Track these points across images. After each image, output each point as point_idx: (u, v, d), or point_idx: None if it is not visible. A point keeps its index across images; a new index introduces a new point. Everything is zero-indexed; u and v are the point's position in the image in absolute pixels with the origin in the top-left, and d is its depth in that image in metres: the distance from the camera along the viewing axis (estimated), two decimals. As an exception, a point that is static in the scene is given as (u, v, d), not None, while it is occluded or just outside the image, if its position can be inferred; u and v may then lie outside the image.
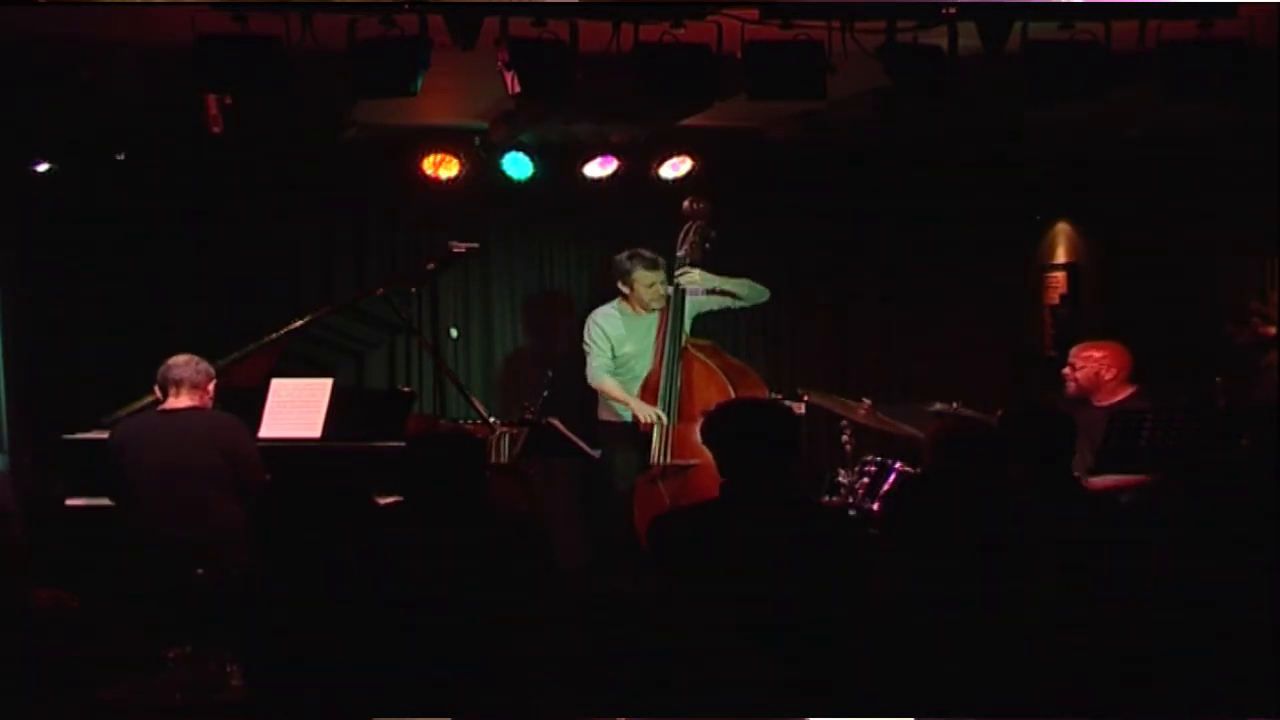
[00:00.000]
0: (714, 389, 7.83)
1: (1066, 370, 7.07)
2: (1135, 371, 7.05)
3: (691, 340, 8.13)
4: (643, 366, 8.13)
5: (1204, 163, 8.45)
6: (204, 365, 6.56)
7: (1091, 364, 6.97)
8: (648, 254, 8.10)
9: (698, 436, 7.58)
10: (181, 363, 6.51)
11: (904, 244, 9.55)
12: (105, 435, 6.86)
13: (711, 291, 8.22)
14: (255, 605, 3.87)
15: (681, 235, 8.19)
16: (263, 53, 5.64)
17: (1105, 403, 6.88)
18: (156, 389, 6.57)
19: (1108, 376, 6.94)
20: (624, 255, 8.15)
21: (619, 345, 8.16)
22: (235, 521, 6.07)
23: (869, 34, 5.89)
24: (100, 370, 8.32)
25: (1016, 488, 4.67)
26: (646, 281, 8.06)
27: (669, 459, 7.86)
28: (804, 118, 8.04)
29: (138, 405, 6.91)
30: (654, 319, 8.17)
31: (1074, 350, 7.11)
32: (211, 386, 6.55)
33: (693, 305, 8.20)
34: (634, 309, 8.16)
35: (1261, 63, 6.14)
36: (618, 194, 8.96)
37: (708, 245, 8.20)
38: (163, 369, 6.52)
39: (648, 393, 8.06)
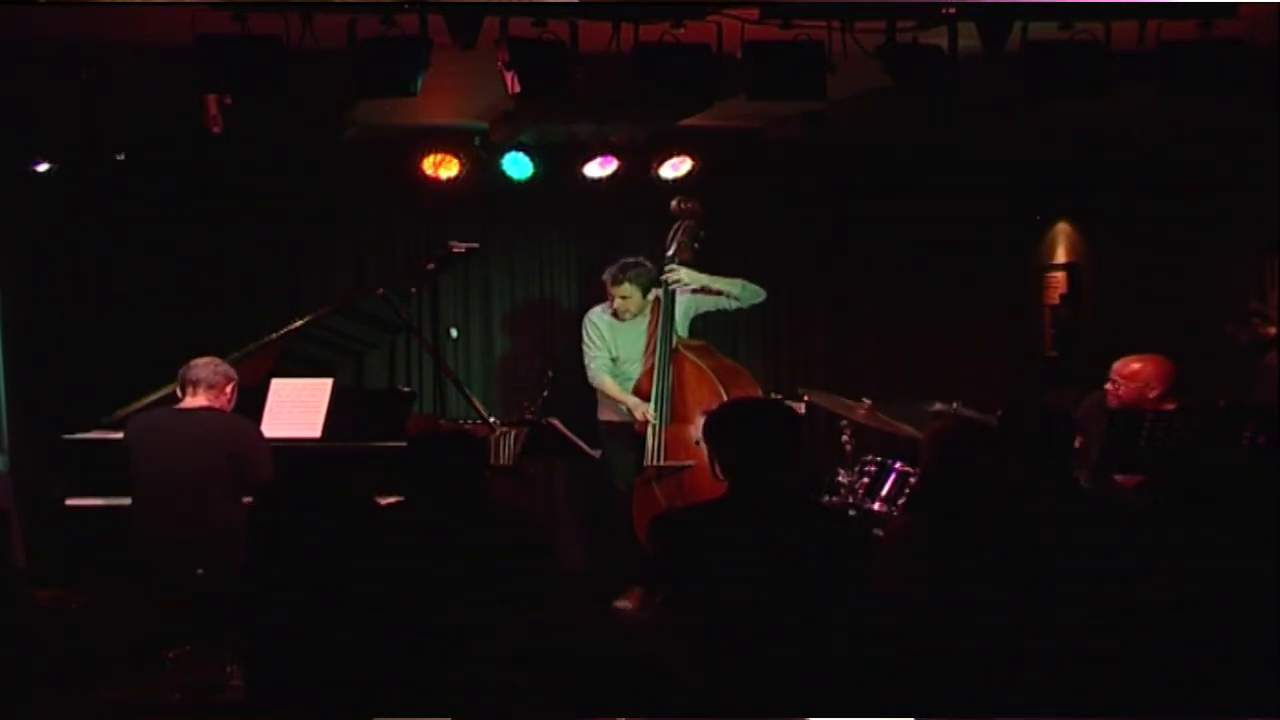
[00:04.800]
0: (706, 390, 7.82)
1: (1109, 386, 6.87)
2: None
3: (683, 341, 8.12)
4: (635, 370, 8.14)
5: (1204, 163, 8.45)
6: (224, 368, 6.55)
7: (1135, 381, 6.78)
8: (615, 267, 8.13)
9: (691, 437, 7.66)
10: (202, 364, 6.52)
11: (904, 244, 9.55)
12: (105, 435, 6.86)
13: (702, 290, 8.22)
14: (255, 605, 3.87)
15: (670, 235, 8.19)
16: (263, 53, 5.64)
17: None
18: (177, 388, 6.57)
19: (1152, 395, 6.75)
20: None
21: (611, 348, 8.18)
22: (236, 522, 6.06)
23: (869, 34, 5.89)
24: (100, 370, 8.32)
25: (1015, 488, 4.66)
26: (616, 293, 8.11)
27: (662, 460, 7.86)
28: (804, 118, 8.03)
29: (147, 400, 6.90)
30: (644, 325, 8.17)
31: (1116, 366, 6.88)
32: (230, 389, 6.53)
33: (686, 305, 8.19)
34: (617, 315, 8.19)
35: (1261, 63, 6.14)
36: (618, 194, 8.96)
37: (697, 245, 8.19)
38: (183, 369, 6.52)
39: (639, 395, 8.06)
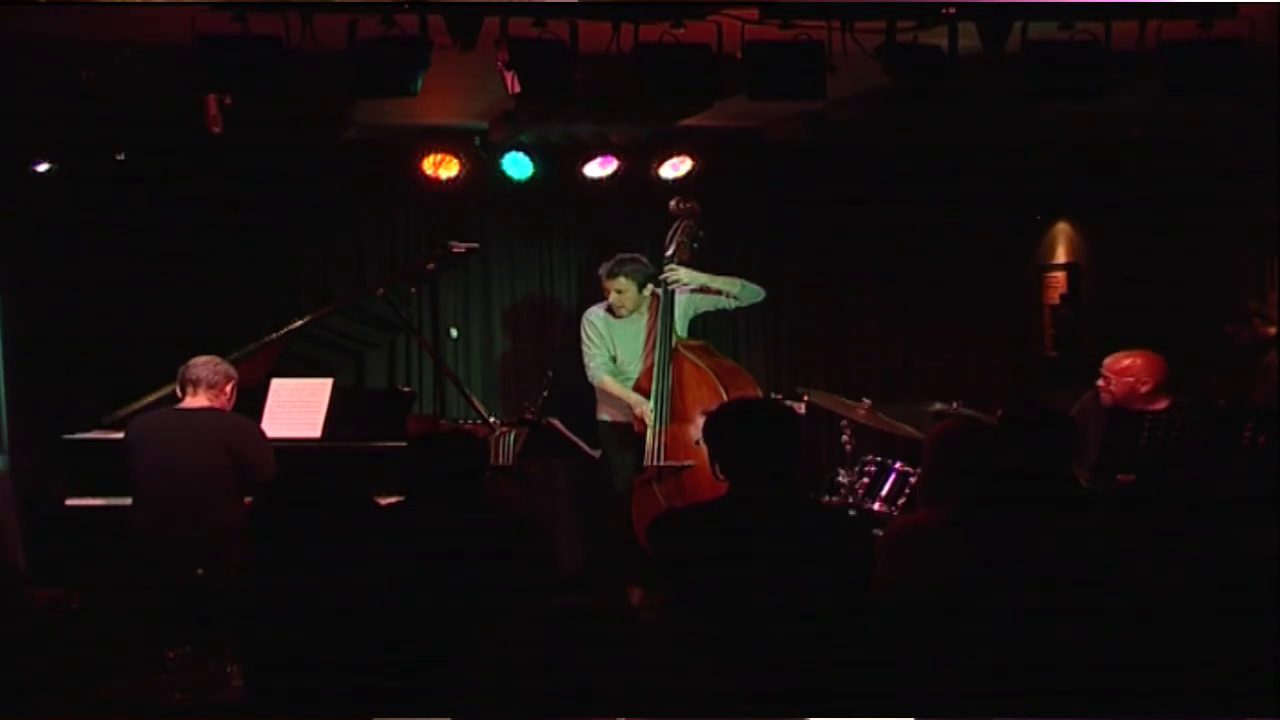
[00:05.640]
0: (705, 390, 7.82)
1: (1100, 383, 6.85)
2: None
3: (683, 341, 8.12)
4: (634, 369, 8.14)
5: (1204, 163, 8.45)
6: (223, 367, 6.55)
7: (1126, 376, 6.74)
8: (610, 261, 8.16)
9: (691, 437, 7.66)
10: (201, 363, 6.52)
11: (904, 244, 9.55)
12: (105, 435, 6.86)
13: (701, 290, 8.22)
14: (255, 605, 3.86)
15: (669, 235, 8.18)
16: (263, 53, 5.64)
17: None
18: (176, 387, 6.57)
19: (1143, 390, 6.72)
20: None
21: (610, 346, 8.19)
22: (236, 522, 6.07)
23: (869, 34, 5.89)
24: (100, 370, 8.32)
25: (1016, 488, 4.66)
26: (612, 287, 8.12)
27: (662, 460, 7.85)
28: (804, 118, 8.03)
29: (147, 401, 6.91)
30: (643, 324, 8.17)
31: (1107, 362, 6.86)
32: (230, 388, 6.54)
33: (686, 305, 8.19)
34: (613, 312, 8.20)
35: (1261, 63, 6.14)
36: (618, 194, 8.97)
37: (695, 244, 8.19)
38: (182, 368, 6.52)
39: (639, 394, 8.05)
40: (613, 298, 8.14)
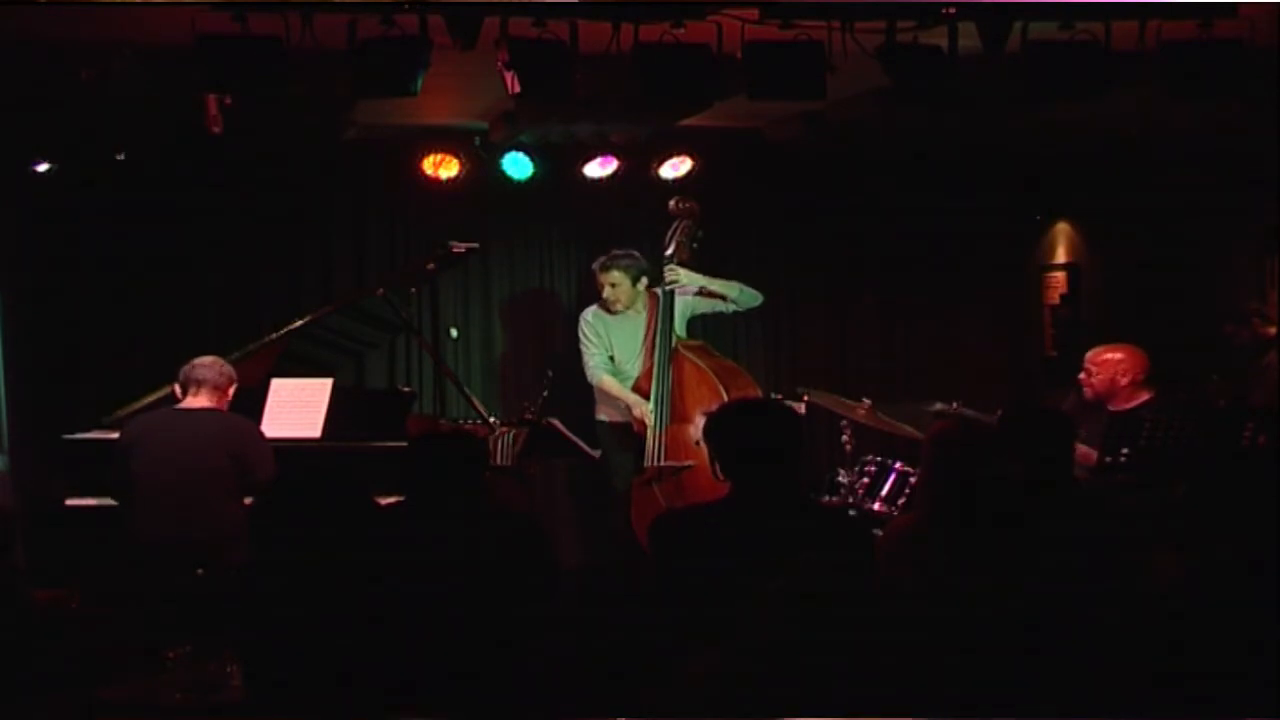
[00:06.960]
0: (705, 390, 7.83)
1: (1083, 376, 6.89)
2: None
3: (682, 341, 8.12)
4: (632, 369, 8.14)
5: (1204, 163, 8.45)
6: (227, 368, 6.56)
7: (1107, 369, 6.78)
8: (605, 256, 8.18)
9: (691, 437, 7.67)
10: (206, 364, 6.52)
11: (904, 244, 9.55)
12: (105, 435, 6.86)
13: (701, 292, 8.22)
14: (255, 605, 3.87)
15: (669, 235, 8.19)
16: (263, 53, 5.64)
17: (1120, 408, 6.72)
18: (177, 387, 6.57)
19: (1124, 382, 6.76)
20: None
21: (607, 345, 8.19)
22: (236, 522, 6.07)
23: (869, 34, 5.89)
24: (100, 370, 8.32)
25: (1015, 487, 4.66)
26: (606, 280, 8.12)
27: (662, 460, 7.85)
28: (804, 118, 8.04)
29: (147, 401, 6.91)
30: (643, 322, 8.18)
31: (1089, 355, 6.90)
32: (232, 390, 6.55)
33: (684, 306, 8.19)
34: (608, 308, 8.20)
35: (1261, 63, 6.14)
36: (618, 194, 8.97)
37: (695, 245, 8.20)
38: (186, 368, 6.52)
39: (639, 395, 8.06)
40: (607, 292, 8.14)
